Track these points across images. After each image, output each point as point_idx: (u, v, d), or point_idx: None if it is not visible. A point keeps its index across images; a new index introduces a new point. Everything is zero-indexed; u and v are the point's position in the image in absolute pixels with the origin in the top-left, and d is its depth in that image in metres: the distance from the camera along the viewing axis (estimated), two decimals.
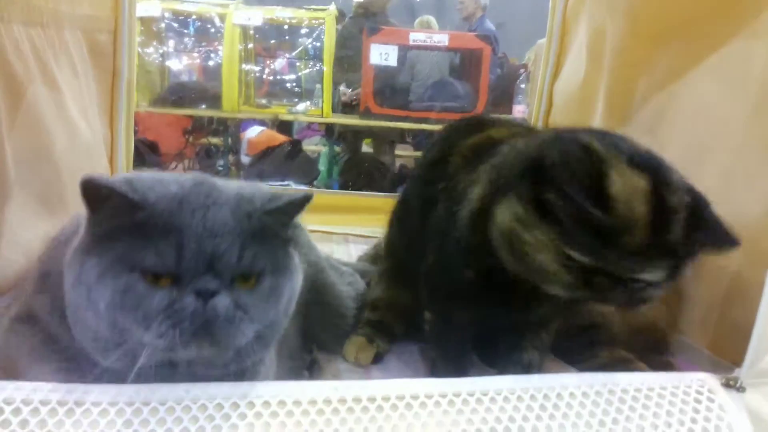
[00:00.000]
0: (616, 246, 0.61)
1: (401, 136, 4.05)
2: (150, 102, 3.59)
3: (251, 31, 3.76)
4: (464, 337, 0.84)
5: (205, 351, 0.57)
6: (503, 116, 3.07)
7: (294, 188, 2.85)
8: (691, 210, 0.64)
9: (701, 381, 0.70)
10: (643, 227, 0.61)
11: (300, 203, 0.61)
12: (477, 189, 0.74)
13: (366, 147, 4.02)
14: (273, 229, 0.60)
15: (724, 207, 1.00)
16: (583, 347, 0.97)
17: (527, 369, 0.82)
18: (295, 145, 3.74)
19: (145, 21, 3.64)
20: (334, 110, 3.66)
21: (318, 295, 0.93)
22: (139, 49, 3.55)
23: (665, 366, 0.94)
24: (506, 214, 0.67)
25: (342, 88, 3.84)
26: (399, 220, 1.00)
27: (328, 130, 3.98)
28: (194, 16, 3.82)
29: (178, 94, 3.64)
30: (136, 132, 3.72)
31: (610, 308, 0.96)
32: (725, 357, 0.93)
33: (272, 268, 0.60)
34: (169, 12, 3.70)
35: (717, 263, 0.97)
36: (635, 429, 0.64)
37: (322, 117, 3.65)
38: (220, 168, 3.79)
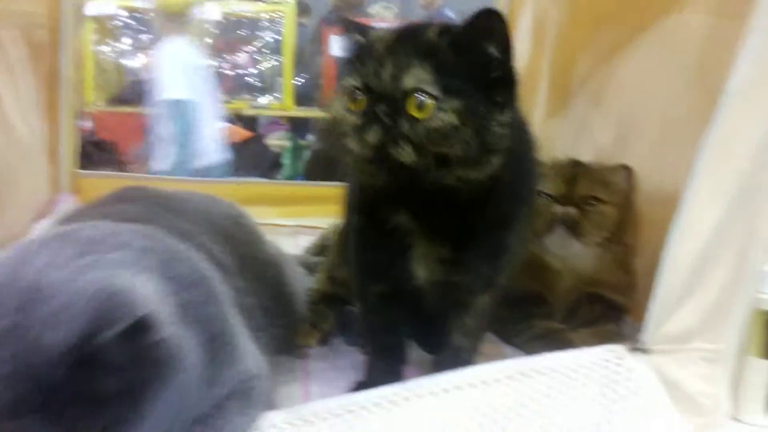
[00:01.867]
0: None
1: None
2: (107, 101, 3.54)
3: (207, 26, 3.73)
4: (392, 329, 0.83)
5: None
6: None
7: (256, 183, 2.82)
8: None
9: (611, 350, 0.72)
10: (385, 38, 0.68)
11: None
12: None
13: None
14: None
15: (654, 178, 1.04)
16: (519, 320, 0.99)
17: (457, 353, 0.81)
18: (258, 141, 3.73)
19: (100, 19, 3.59)
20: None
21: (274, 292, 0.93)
22: (94, 48, 3.52)
23: (609, 334, 0.96)
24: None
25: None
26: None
27: (293, 124, 3.97)
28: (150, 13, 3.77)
29: (135, 92, 3.59)
30: (93, 132, 3.71)
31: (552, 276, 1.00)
32: None
33: None
34: (124, 9, 3.65)
35: (652, 238, 1.01)
36: (554, 409, 0.66)
37: (283, 111, 3.64)
38: None
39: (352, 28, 0.73)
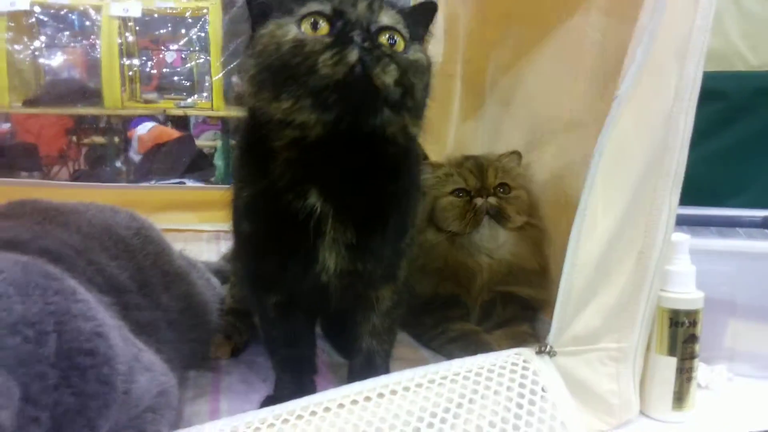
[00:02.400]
0: None
1: None
2: (24, 102, 3.36)
3: (131, 23, 3.58)
4: (295, 340, 0.80)
5: None
6: None
7: (189, 185, 2.75)
8: None
9: (518, 354, 0.72)
10: None
11: None
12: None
13: None
14: None
15: (560, 179, 1.05)
16: (436, 324, 0.99)
17: (370, 358, 0.80)
18: (187, 141, 3.62)
19: (14, 15, 3.40)
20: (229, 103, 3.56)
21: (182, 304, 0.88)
22: (8, 46, 3.33)
23: (523, 335, 0.96)
24: (245, 82, 0.68)
25: (234, 79, 3.74)
26: None
27: (224, 124, 3.87)
28: (66, 9, 3.60)
29: (54, 92, 3.43)
30: (13, 134, 3.52)
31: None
32: None
33: None
34: (39, 5, 3.46)
35: (563, 239, 1.01)
36: (469, 413, 0.65)
37: (212, 110, 3.54)
38: (108, 168, 3.61)
39: None
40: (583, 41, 1.00)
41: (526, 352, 0.72)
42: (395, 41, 0.67)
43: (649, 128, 0.71)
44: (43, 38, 3.61)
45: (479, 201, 0.99)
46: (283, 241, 0.72)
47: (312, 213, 0.69)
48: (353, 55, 0.62)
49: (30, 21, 3.58)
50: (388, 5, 0.69)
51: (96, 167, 3.79)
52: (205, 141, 4.09)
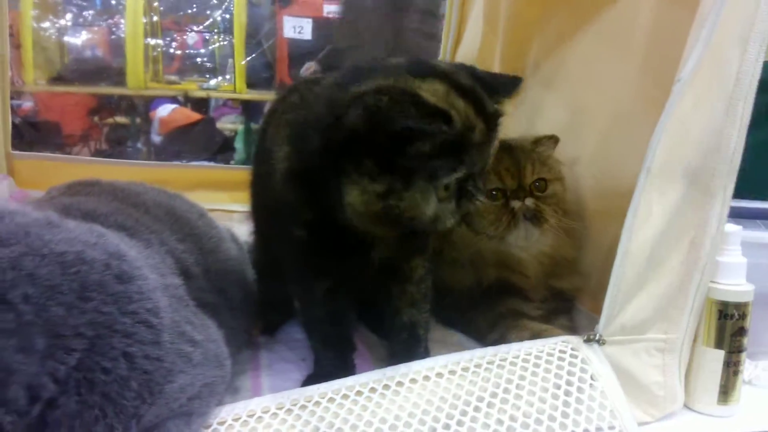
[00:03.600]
0: (470, 146, 0.63)
1: None
2: (48, 80, 3.38)
3: (156, 3, 3.59)
4: (337, 318, 0.80)
5: None
6: None
7: (209, 167, 2.74)
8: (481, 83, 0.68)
9: (566, 341, 0.71)
10: (473, 117, 0.64)
11: None
12: (282, 149, 0.72)
13: None
14: None
15: (602, 168, 1.03)
16: (492, 323, 0.96)
17: (412, 328, 0.80)
18: (209, 124, 3.63)
19: None
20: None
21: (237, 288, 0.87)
22: (33, 24, 3.34)
23: (561, 329, 0.94)
24: (361, 197, 0.64)
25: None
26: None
27: (245, 107, 3.87)
28: None
29: (78, 71, 3.44)
30: (35, 113, 3.54)
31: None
32: None
33: None
34: None
35: (602, 228, 1.00)
36: (517, 398, 0.65)
37: (234, 93, 3.54)
38: (129, 148, 3.63)
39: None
40: (633, 25, 0.97)
41: (574, 340, 0.71)
42: None
43: (709, 114, 0.69)
44: (68, 16, 3.62)
45: (517, 204, 0.95)
46: (339, 247, 0.73)
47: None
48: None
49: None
50: None
51: (117, 147, 3.81)
52: (226, 124, 4.09)
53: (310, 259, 0.76)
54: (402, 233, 0.70)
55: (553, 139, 1.03)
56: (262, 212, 0.92)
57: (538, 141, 1.02)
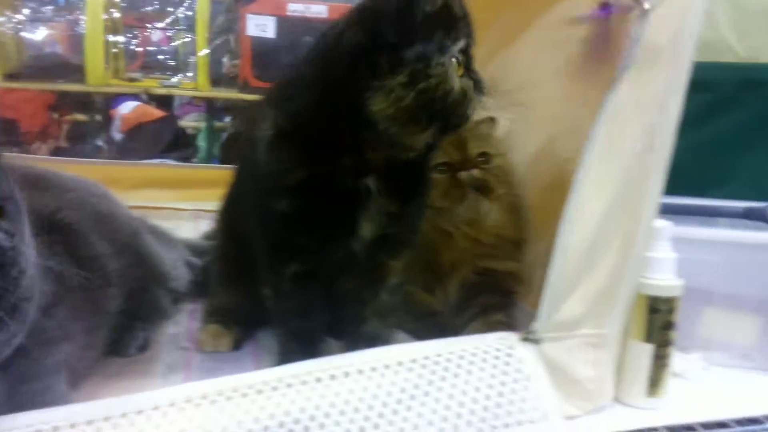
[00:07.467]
0: (459, 17, 0.69)
1: None
2: (5, 76, 3.30)
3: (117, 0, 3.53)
4: (308, 311, 0.80)
5: None
6: None
7: (170, 164, 2.70)
8: None
9: (502, 339, 0.71)
10: None
11: None
12: (265, 120, 0.74)
13: None
14: None
15: (545, 168, 1.04)
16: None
17: (370, 343, 0.76)
18: (170, 121, 3.58)
19: None
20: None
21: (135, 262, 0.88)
22: None
23: (497, 325, 0.95)
24: (388, 98, 0.67)
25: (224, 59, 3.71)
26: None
27: (208, 105, 3.83)
28: None
29: (36, 67, 3.37)
30: None
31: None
32: None
33: None
34: None
35: (546, 225, 1.01)
36: (444, 396, 0.65)
37: (197, 90, 3.51)
38: (89, 146, 3.56)
39: None
40: (568, 24, 0.99)
41: (511, 338, 0.71)
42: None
43: (643, 110, 0.71)
44: (26, 12, 3.55)
45: (463, 175, 0.98)
46: (327, 216, 0.74)
47: (363, 191, 0.73)
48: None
49: None
50: None
51: (76, 145, 3.74)
52: (189, 122, 4.04)
53: (289, 233, 0.76)
54: (435, 134, 0.71)
55: (491, 119, 1.05)
56: (236, 206, 0.91)
57: (477, 122, 1.03)
